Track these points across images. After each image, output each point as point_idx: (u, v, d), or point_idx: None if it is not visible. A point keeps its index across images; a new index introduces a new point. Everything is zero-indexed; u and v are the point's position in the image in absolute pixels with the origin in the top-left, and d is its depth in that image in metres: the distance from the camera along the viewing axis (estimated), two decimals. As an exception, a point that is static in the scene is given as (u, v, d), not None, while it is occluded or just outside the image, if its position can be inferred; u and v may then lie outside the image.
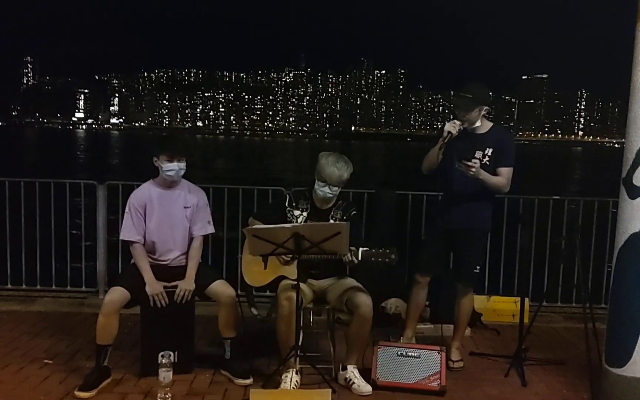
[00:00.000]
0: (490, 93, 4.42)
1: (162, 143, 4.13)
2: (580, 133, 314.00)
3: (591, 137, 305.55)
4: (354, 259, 3.77)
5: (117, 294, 3.88)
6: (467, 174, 4.02)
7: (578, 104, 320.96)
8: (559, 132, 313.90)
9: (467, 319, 4.49)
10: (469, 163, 3.99)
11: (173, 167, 4.03)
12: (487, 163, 4.15)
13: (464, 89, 4.17)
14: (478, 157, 4.13)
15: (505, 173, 4.15)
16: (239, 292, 4.22)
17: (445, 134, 4.12)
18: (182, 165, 4.06)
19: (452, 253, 4.49)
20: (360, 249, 3.79)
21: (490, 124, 4.27)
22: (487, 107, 4.20)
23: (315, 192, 4.11)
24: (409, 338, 4.53)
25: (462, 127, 4.15)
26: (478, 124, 4.20)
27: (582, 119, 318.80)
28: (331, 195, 4.05)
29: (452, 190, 4.27)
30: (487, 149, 4.16)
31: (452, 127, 4.12)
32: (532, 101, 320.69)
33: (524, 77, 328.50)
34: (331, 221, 4.05)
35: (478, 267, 4.35)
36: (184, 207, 4.14)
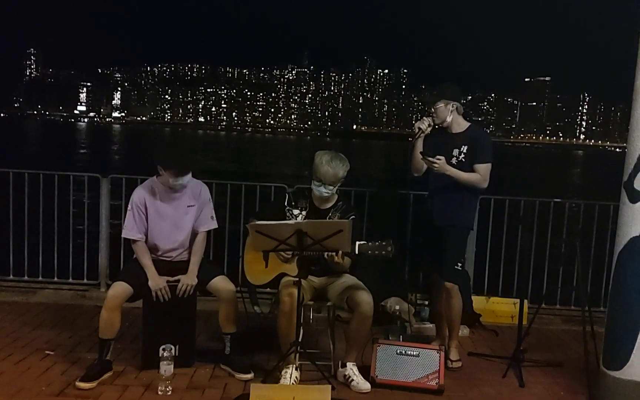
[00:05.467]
0: (464, 94, 4.58)
1: (169, 161, 3.97)
2: (582, 137, 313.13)
3: (592, 141, 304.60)
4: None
5: (120, 289, 3.91)
6: (432, 169, 4.20)
7: (580, 108, 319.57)
8: (561, 135, 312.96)
9: (459, 317, 4.50)
10: (432, 158, 4.15)
11: (180, 182, 4.00)
12: (463, 160, 4.26)
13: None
14: (455, 155, 4.26)
15: (481, 169, 4.25)
16: (240, 288, 4.24)
17: (416, 130, 4.30)
18: (188, 177, 4.04)
19: (435, 250, 4.50)
20: (357, 243, 3.82)
21: (468, 124, 4.39)
22: (455, 104, 4.31)
23: (313, 191, 4.12)
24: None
25: (433, 124, 4.30)
26: (448, 120, 4.30)
27: (584, 123, 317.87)
28: (327, 194, 4.04)
29: (433, 187, 4.42)
30: (463, 146, 4.28)
31: (420, 123, 4.32)
32: (534, 104, 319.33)
33: (526, 80, 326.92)
34: None
35: (459, 264, 4.38)
36: (188, 206, 4.12)
